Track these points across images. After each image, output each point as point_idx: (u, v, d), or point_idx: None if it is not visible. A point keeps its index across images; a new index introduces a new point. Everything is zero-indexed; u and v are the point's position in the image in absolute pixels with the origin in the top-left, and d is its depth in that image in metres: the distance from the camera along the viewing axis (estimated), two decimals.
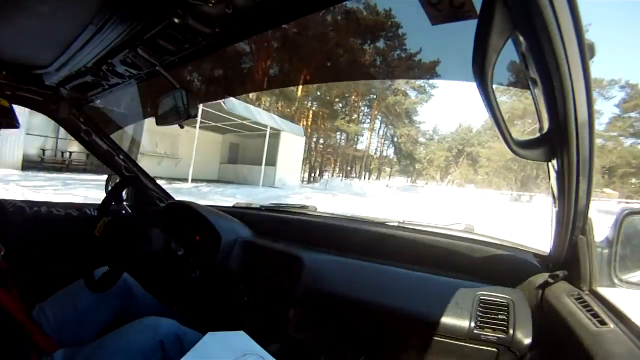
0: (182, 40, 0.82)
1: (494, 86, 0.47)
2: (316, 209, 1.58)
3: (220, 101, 10.55)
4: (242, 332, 0.67)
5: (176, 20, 0.71)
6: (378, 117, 32.06)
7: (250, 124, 12.87)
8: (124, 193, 1.66)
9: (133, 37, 0.83)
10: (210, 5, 0.67)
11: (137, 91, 1.40)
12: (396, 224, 1.30)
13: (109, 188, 1.57)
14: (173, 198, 1.83)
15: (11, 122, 0.97)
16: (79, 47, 0.89)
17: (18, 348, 0.82)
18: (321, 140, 29.32)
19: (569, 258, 0.68)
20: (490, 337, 0.82)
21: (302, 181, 21.51)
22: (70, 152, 11.20)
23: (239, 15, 0.69)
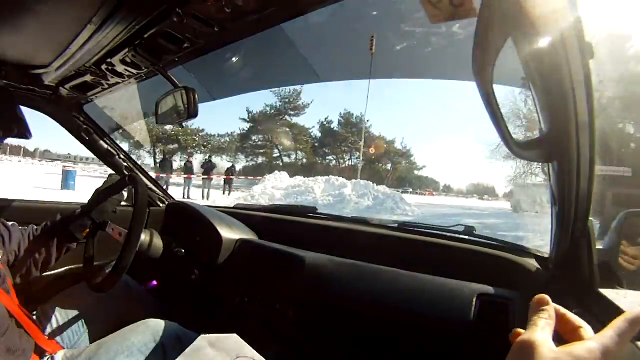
0: (182, 39, 0.82)
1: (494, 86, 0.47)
2: (316, 209, 1.58)
3: None
4: (234, 335, 0.67)
5: (175, 20, 0.71)
6: None
7: None
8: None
9: (132, 36, 0.82)
10: (210, 4, 0.67)
11: (137, 90, 1.40)
12: (395, 225, 1.30)
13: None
14: (173, 198, 1.83)
15: (23, 132, 0.97)
16: (78, 46, 0.89)
17: (19, 349, 0.82)
18: None
19: (569, 259, 0.68)
20: (489, 337, 0.82)
21: None
22: None
23: (238, 14, 0.69)
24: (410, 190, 32.90)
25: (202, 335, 0.67)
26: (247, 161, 30.08)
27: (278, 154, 30.39)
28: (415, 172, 37.05)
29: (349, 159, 30.96)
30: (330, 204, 11.72)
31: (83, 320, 1.09)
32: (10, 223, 1.02)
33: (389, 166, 33.65)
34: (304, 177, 14.40)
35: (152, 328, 0.96)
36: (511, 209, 20.82)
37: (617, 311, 0.60)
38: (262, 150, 30.02)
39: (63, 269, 1.42)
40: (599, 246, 0.66)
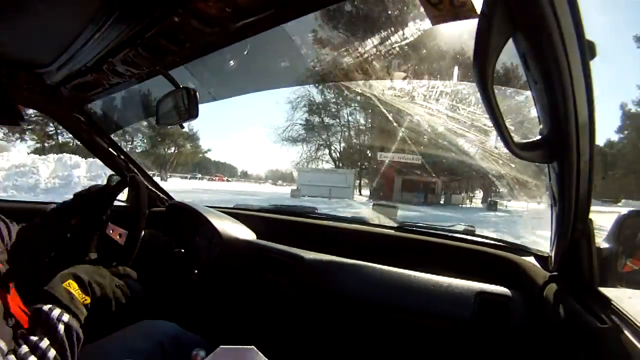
0: (183, 39, 0.82)
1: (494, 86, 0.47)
2: (316, 209, 1.58)
3: None
4: (253, 347, 0.67)
5: (176, 20, 0.72)
6: None
7: None
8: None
9: (134, 37, 0.83)
10: (211, 4, 0.67)
11: (138, 90, 1.40)
12: (395, 225, 1.30)
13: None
14: (173, 199, 1.83)
15: (13, 120, 0.97)
16: (79, 46, 0.89)
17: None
18: None
19: (569, 258, 0.68)
20: (489, 335, 0.82)
21: None
22: None
23: (239, 14, 0.69)
24: (199, 176, 32.14)
25: (221, 347, 0.67)
26: (6, 139, 22.46)
27: (53, 131, 24.45)
28: (200, 155, 35.13)
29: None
30: (54, 187, 9.89)
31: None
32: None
33: (173, 150, 31.21)
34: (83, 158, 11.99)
35: (151, 328, 0.96)
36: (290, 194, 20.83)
37: (616, 310, 0.60)
38: (30, 127, 22.99)
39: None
40: (598, 245, 0.66)
